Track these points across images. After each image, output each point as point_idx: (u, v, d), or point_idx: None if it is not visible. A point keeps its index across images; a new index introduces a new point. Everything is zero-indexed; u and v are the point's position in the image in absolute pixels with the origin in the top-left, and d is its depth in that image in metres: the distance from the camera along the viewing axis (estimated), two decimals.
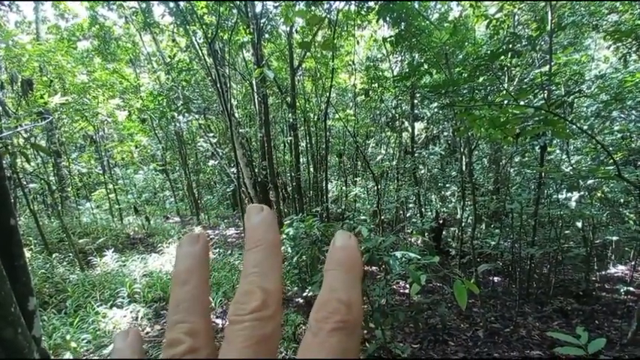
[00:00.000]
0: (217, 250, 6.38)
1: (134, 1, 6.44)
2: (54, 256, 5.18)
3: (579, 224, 4.85)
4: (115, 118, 7.52)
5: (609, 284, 5.30)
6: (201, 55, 6.35)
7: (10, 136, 4.37)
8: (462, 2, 5.89)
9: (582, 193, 4.65)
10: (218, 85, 5.50)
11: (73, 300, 3.99)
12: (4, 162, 2.03)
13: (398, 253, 1.95)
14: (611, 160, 2.08)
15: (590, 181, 4.34)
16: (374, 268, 4.85)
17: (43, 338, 2.03)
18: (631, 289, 4.49)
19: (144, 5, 6.70)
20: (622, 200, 6.26)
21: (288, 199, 9.12)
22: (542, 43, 4.98)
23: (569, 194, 4.48)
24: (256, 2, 6.21)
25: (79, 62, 8.03)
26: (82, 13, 9.94)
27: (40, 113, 5.94)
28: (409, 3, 4.36)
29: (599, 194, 5.25)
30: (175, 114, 7.16)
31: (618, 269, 6.18)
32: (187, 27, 5.82)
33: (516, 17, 6.44)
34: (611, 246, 6.25)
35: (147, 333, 3.69)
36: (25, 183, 6.55)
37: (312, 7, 4.42)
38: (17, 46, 6.54)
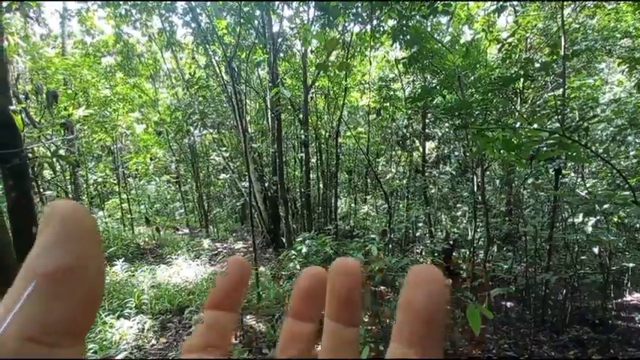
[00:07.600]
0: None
1: (158, 0, 6.32)
2: None
3: (596, 250, 4.71)
4: (132, 130, 7.76)
5: (625, 312, 5.11)
6: (219, 72, 6.57)
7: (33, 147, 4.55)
8: (475, 26, 6.00)
9: (599, 217, 4.54)
10: (234, 101, 5.66)
11: None
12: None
13: None
14: (627, 185, 2.06)
15: (606, 206, 4.25)
16: (382, 287, 4.78)
17: None
18: None
19: (167, 25, 7.02)
20: (638, 226, 6.07)
21: (297, 214, 9.13)
22: (555, 66, 5.01)
23: (585, 219, 4.38)
24: (273, 23, 6.44)
25: (102, 76, 8.38)
26: (108, 29, 10.44)
27: (63, 124, 6.18)
28: (422, 27, 4.47)
29: (615, 219, 5.12)
30: (191, 128, 7.36)
31: (634, 297, 5.95)
32: (207, 46, 6.06)
33: (528, 41, 6.51)
34: (628, 273, 6.03)
35: (152, 345, 3.68)
36: (42, 190, 6.74)
37: (328, 29, 4.57)
38: (43, 58, 6.86)
